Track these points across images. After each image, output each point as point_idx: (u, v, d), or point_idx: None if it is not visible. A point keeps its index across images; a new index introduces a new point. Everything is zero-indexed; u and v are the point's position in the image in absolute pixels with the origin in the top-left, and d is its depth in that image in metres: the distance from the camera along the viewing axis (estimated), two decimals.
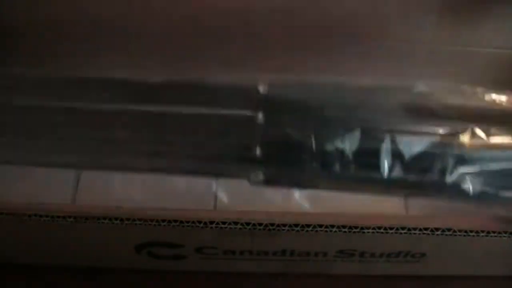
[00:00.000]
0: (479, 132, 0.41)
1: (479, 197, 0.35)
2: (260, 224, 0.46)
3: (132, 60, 0.51)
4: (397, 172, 0.41)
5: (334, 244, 0.52)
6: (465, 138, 0.41)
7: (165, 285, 0.60)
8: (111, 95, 0.48)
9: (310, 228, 0.46)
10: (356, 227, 0.46)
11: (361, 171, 0.42)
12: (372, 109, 0.45)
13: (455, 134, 0.41)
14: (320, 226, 0.46)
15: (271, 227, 0.46)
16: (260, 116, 0.45)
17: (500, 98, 0.45)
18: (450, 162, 0.40)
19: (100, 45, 0.52)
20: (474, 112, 0.44)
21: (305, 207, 0.45)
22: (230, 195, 0.47)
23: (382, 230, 0.46)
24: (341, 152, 0.42)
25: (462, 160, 0.40)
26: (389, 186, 0.42)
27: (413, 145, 0.41)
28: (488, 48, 0.54)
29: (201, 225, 0.46)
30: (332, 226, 0.46)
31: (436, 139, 0.42)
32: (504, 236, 0.46)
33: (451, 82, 0.49)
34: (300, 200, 0.44)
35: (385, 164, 0.40)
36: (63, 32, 0.51)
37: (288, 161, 0.43)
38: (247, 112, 0.45)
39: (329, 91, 0.48)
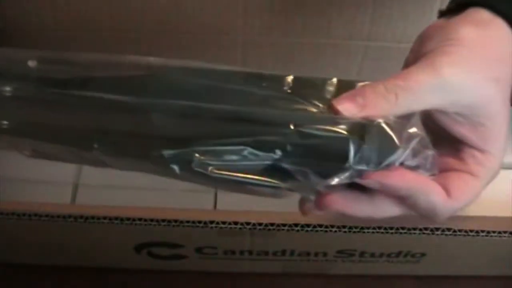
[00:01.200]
0: None
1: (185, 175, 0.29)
2: (260, 224, 0.46)
3: None
4: None
5: (334, 244, 0.52)
6: None
7: (165, 285, 0.60)
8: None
9: (310, 228, 0.46)
10: (356, 227, 0.46)
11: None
12: None
13: None
14: (320, 226, 0.46)
15: (271, 227, 0.46)
16: None
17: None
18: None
19: None
20: None
21: None
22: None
23: (382, 230, 0.46)
24: None
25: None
26: None
27: None
28: None
29: (201, 225, 0.46)
30: (332, 226, 0.46)
31: None
32: (504, 236, 0.46)
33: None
34: None
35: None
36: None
37: None
38: None
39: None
